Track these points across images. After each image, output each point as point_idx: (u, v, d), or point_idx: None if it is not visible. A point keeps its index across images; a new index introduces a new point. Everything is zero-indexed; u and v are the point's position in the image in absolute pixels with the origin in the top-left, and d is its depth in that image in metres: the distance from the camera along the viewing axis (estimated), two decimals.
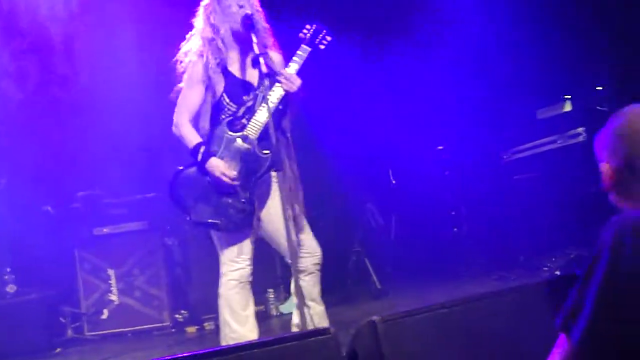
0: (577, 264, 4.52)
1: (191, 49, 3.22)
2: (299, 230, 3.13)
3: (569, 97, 5.15)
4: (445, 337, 2.16)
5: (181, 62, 3.23)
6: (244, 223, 3.13)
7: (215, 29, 3.17)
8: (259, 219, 3.16)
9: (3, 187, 5.64)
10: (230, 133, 3.13)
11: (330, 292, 3.33)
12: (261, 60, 2.95)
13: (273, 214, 3.11)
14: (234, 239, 3.15)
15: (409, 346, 2.10)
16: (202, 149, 3.12)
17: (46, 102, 5.90)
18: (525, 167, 5.37)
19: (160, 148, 5.28)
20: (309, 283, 3.19)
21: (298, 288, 2.94)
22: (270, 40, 3.22)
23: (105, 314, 5.41)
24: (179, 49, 3.29)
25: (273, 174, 3.14)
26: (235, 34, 3.16)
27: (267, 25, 3.21)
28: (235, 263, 3.15)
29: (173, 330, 5.32)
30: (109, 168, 5.60)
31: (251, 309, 3.20)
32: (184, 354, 2.00)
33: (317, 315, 3.18)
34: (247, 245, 3.16)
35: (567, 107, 5.16)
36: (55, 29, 5.94)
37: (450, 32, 5.92)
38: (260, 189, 3.17)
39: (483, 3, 5.81)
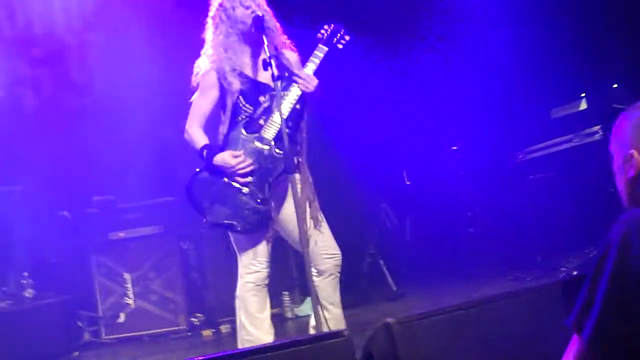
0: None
1: (204, 60, 3.23)
2: (318, 231, 3.12)
3: (585, 95, 5.10)
4: (461, 339, 2.14)
5: (196, 74, 3.25)
6: (260, 224, 3.12)
7: (225, 36, 3.17)
8: (276, 220, 3.15)
9: (20, 193, 5.70)
10: (247, 134, 3.13)
11: (344, 293, 3.30)
12: (272, 62, 2.94)
13: (291, 215, 3.09)
14: (251, 241, 3.15)
15: (425, 349, 2.08)
16: (205, 152, 3.13)
17: (61, 109, 5.96)
18: (541, 167, 5.33)
19: (175, 153, 5.29)
20: (329, 285, 3.17)
21: (313, 290, 2.93)
22: (283, 39, 3.22)
23: (121, 318, 5.44)
24: (192, 56, 3.30)
25: (291, 175, 3.11)
26: (246, 37, 3.17)
27: (277, 25, 3.21)
28: (252, 266, 3.15)
29: (189, 333, 5.34)
30: (124, 173, 5.64)
31: (267, 312, 3.19)
32: (199, 358, 2.01)
33: (335, 319, 3.17)
34: (264, 248, 3.15)
35: (583, 105, 5.11)
36: (69, 37, 6.01)
37: (464, 32, 5.90)
38: (277, 189, 3.16)
39: (496, 2, 5.78)
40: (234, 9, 3.13)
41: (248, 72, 3.20)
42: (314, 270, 3.11)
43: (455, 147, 6.06)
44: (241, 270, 3.18)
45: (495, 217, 5.78)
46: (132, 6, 5.83)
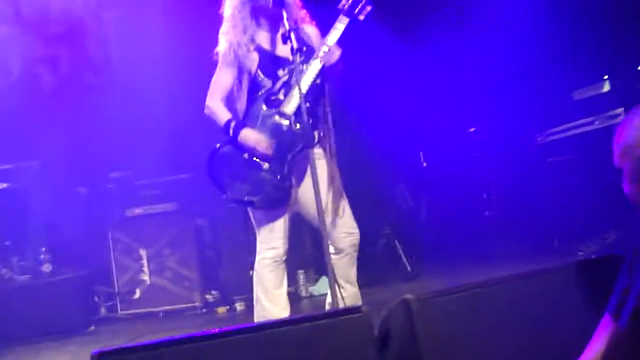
0: (615, 248, 4.42)
1: (223, 35, 3.20)
2: (337, 208, 3.09)
3: (608, 77, 5.01)
4: (479, 317, 2.12)
5: (216, 49, 3.22)
6: (280, 200, 3.09)
7: (244, 11, 3.13)
8: (296, 196, 3.13)
9: (38, 169, 5.75)
10: (267, 109, 3.10)
11: (359, 273, 3.29)
12: (292, 35, 2.90)
13: (311, 191, 3.05)
14: (270, 218, 3.13)
15: (442, 326, 2.07)
16: (232, 124, 3.10)
17: (79, 86, 5.98)
18: (561, 150, 5.26)
19: (192, 130, 5.30)
20: (346, 264, 3.16)
21: (330, 267, 2.91)
22: (302, 13, 3.17)
23: (137, 294, 5.48)
24: (210, 31, 3.27)
25: (310, 150, 3.07)
26: (265, 12, 3.13)
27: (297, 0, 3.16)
28: (271, 242, 3.13)
29: (204, 310, 5.37)
30: (141, 150, 5.65)
31: (284, 289, 3.18)
32: (215, 330, 2.00)
33: (351, 297, 3.16)
34: (282, 224, 3.13)
35: (606, 87, 5.02)
36: (86, 14, 6.01)
37: (483, 11, 5.81)
38: (297, 165, 3.13)
39: None
40: None
41: (266, 46, 3.17)
42: (331, 248, 3.09)
43: (473, 129, 5.99)
44: (259, 246, 3.17)
45: (512, 200, 5.73)
46: None
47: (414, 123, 6.03)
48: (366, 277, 3.39)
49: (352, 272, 3.21)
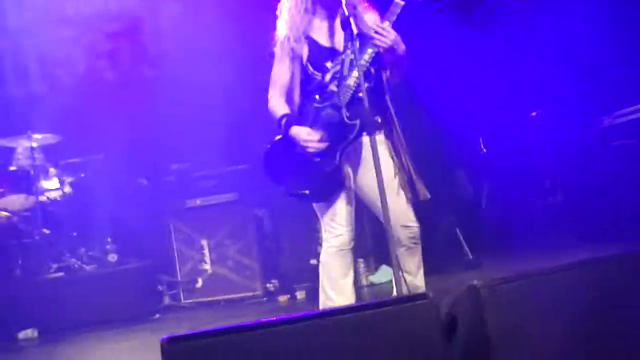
0: None
1: (280, 26, 3.20)
2: (397, 197, 3.05)
3: None
4: (548, 303, 2.06)
5: (274, 41, 3.22)
6: (333, 191, 3.08)
7: (300, 1, 3.12)
8: (352, 187, 3.11)
9: (102, 162, 5.92)
10: (320, 102, 3.09)
11: None
12: (351, 20, 2.86)
13: (370, 181, 3.02)
14: (331, 206, 3.11)
15: (512, 312, 2.01)
16: (284, 121, 3.11)
17: (139, 80, 6.12)
18: (629, 133, 5.06)
19: (249, 121, 5.35)
20: (404, 254, 3.11)
21: (394, 256, 2.87)
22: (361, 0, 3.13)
23: (199, 283, 5.59)
24: (267, 24, 3.27)
25: (366, 139, 3.04)
26: (322, 0, 3.11)
27: None
28: (334, 230, 3.11)
29: (265, 299, 5.43)
30: (200, 141, 5.74)
31: (350, 278, 3.14)
32: (282, 317, 2.01)
33: (411, 287, 3.11)
34: (344, 211, 3.10)
35: None
36: (144, 11, 6.14)
37: None
38: (352, 156, 3.11)
39: None
40: None
41: (318, 36, 3.13)
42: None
43: (534, 113, 5.82)
44: (324, 234, 3.16)
45: (576, 186, 5.55)
46: None
47: (473, 107, 5.89)
48: (426, 265, 3.35)
49: (411, 263, 3.15)
